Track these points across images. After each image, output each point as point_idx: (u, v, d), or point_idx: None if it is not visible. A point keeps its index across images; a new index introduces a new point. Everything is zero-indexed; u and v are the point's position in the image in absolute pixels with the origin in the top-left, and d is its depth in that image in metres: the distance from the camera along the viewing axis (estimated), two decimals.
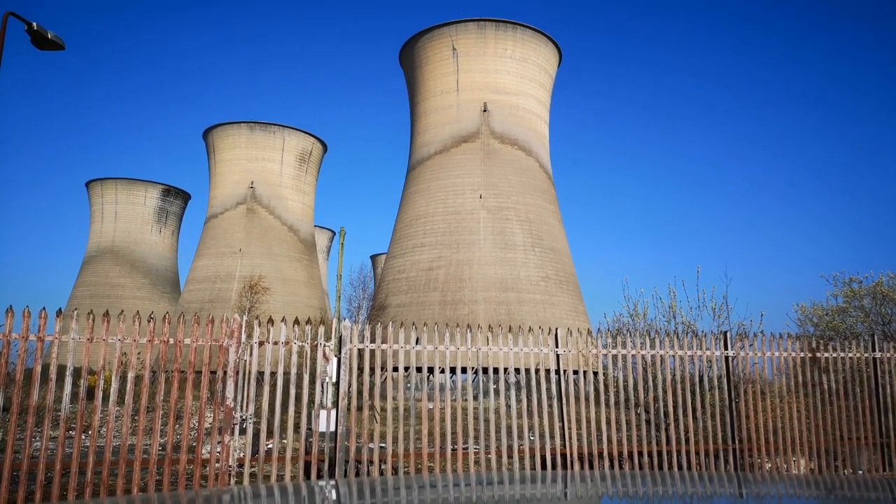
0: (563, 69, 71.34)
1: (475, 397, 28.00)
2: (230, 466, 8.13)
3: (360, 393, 9.85)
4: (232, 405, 8.22)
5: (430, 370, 10.53)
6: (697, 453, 10.22)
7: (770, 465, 10.48)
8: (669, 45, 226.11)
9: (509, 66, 59.80)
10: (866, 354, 11.36)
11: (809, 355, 11.01)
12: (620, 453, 10.01)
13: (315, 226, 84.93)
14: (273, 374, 8.99)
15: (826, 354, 11.11)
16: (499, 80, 59.50)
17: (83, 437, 15.60)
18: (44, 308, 7.80)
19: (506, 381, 9.96)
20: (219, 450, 8.13)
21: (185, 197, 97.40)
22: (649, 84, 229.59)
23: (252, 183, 72.98)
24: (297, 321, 9.06)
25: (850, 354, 11.25)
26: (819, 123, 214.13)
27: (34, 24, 13.37)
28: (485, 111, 58.43)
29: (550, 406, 10.04)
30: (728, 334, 10.85)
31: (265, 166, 74.00)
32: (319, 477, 8.68)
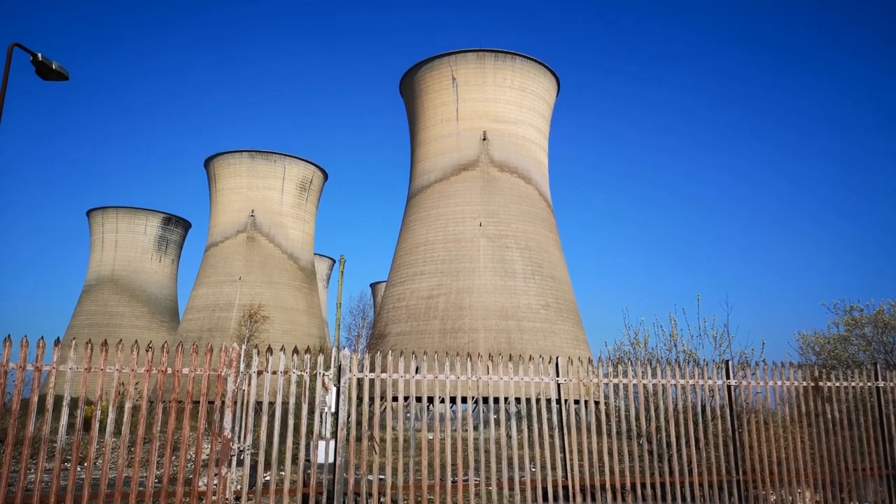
0: (562, 98, 72.19)
1: (475, 427, 27.72)
2: (227, 499, 8.02)
3: (359, 423, 9.76)
4: (230, 436, 8.14)
5: (430, 400, 10.46)
6: (700, 485, 10.09)
7: (774, 497, 10.34)
8: (667, 75, 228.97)
9: (508, 96, 60.47)
10: (869, 384, 11.28)
11: (812, 384, 10.94)
12: (623, 485, 9.88)
13: (315, 254, 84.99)
14: (272, 403, 8.93)
15: (829, 384, 11.04)
16: (498, 109, 60.10)
17: (79, 468, 15.40)
18: (42, 338, 7.78)
19: (506, 410, 9.88)
20: (216, 482, 8.03)
21: (185, 225, 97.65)
22: (647, 113, 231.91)
23: (252, 211, 73.23)
24: (296, 350, 9.02)
25: (853, 384, 11.18)
26: (820, 150, 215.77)
27: (39, 54, 13.55)
28: (484, 140, 58.91)
29: (551, 436, 9.94)
30: (730, 363, 10.79)
31: (266, 195, 74.32)
32: None
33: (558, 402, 9.92)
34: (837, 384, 11.06)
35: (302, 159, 77.24)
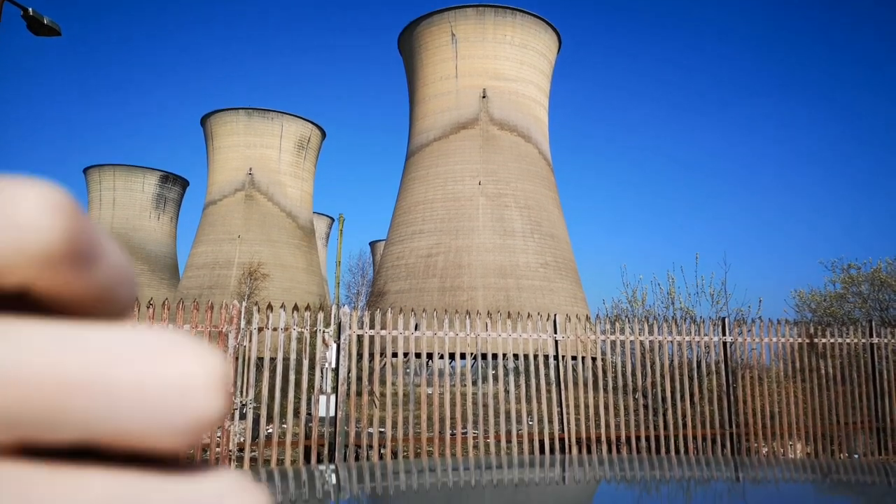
0: (563, 56, 71.00)
1: (474, 383, 28.12)
2: (230, 451, 8.18)
3: (359, 378, 9.89)
4: (232, 391, 8.24)
5: (430, 356, 10.57)
6: (695, 438, 10.29)
7: (766, 450, 10.56)
8: (668, 34, 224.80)
9: (508, 53, 59.48)
10: (864, 340, 11.40)
11: (807, 341, 11.05)
12: (618, 438, 10.07)
13: (314, 212, 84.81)
14: (273, 359, 9.02)
15: (824, 340, 11.16)
16: (498, 66, 59.19)
17: None
18: None
19: (504, 366, 10.00)
20: (219, 434, 8.18)
21: (183, 183, 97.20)
22: (648, 71, 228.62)
23: (250, 169, 72.78)
24: (296, 307, 9.08)
25: (848, 340, 11.30)
26: (818, 109, 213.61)
27: (30, 9, 13.25)
28: (484, 97, 58.19)
29: (549, 391, 10.08)
30: (726, 320, 10.88)
31: (263, 153, 73.76)
32: (319, 461, 8.73)
33: (556, 358, 10.04)
34: (832, 340, 11.18)
35: (300, 117, 76.41)
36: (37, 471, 0.13)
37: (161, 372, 0.14)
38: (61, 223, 0.14)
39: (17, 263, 0.13)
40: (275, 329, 8.79)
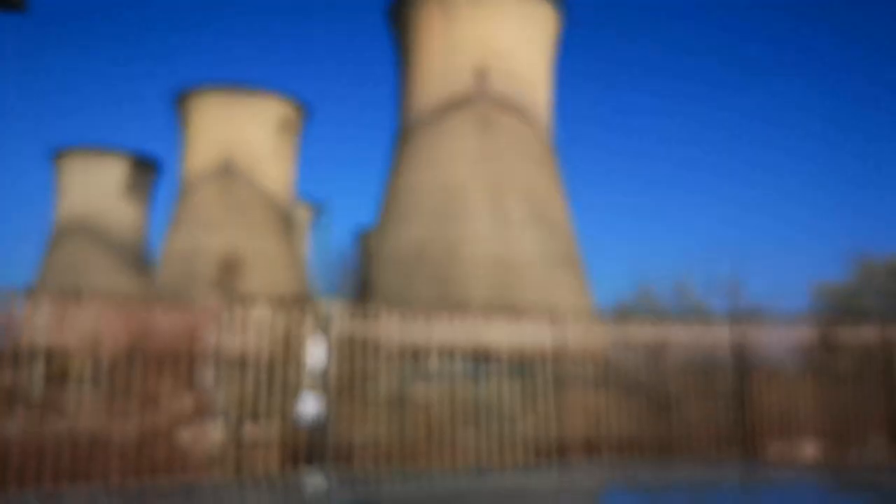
0: (567, 30, 70.66)
1: (470, 381, 28.17)
2: (210, 452, 8.23)
3: (349, 376, 9.94)
4: (212, 390, 8.30)
5: (423, 352, 10.62)
6: (703, 438, 10.39)
7: (777, 449, 10.69)
8: (680, 7, 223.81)
9: (508, 26, 59.08)
10: (879, 335, 11.52)
11: (820, 337, 11.17)
12: (623, 438, 10.16)
13: (297, 198, 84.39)
14: (255, 356, 9.06)
15: (838, 336, 11.27)
16: (497, 40, 58.80)
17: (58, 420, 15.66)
18: (15, 288, 7.81)
19: (502, 365, 10.06)
20: (199, 435, 8.22)
21: (155, 167, 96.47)
22: (659, 47, 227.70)
23: (228, 151, 72.33)
24: (280, 301, 9.11)
25: (862, 336, 11.41)
26: (841, 91, 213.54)
27: None
28: (481, 74, 57.96)
29: (549, 391, 10.16)
30: (738, 316, 10.98)
31: (241, 134, 73.20)
32: (304, 464, 8.79)
33: (557, 355, 10.10)
34: (846, 336, 11.29)
35: (280, 94, 75.74)
36: None
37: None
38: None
39: None
40: (258, 324, 8.81)
